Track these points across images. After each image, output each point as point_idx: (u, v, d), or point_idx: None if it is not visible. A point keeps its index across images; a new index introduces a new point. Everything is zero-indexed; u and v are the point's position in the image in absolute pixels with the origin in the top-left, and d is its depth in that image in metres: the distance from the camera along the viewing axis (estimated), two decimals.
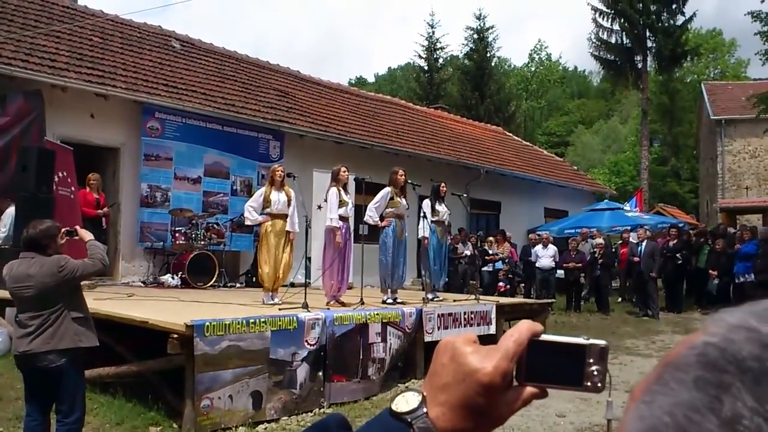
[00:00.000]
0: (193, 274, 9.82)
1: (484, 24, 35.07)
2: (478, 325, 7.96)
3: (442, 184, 8.86)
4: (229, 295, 8.79)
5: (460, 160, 16.44)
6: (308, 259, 8.70)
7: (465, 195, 12.02)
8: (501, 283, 13.71)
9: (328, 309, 6.72)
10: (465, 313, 7.83)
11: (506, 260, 14.20)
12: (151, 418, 5.26)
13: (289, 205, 7.54)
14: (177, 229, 10.55)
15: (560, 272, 13.77)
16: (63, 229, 4.05)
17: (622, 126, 45.97)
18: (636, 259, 13.36)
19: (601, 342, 0.63)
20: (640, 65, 26.02)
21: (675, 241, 13.76)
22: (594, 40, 26.88)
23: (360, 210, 8.32)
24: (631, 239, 14.45)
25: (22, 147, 8.26)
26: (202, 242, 10.37)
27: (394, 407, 0.63)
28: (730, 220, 21.42)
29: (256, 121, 12.33)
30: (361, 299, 7.25)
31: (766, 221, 21.02)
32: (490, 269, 14.02)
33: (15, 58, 9.45)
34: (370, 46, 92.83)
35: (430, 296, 8.23)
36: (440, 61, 36.91)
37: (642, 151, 26.55)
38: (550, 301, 10.84)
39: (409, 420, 0.61)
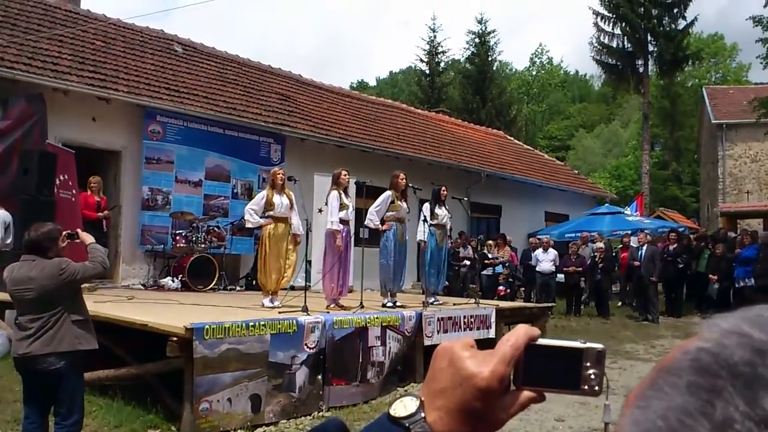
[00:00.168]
0: (193, 277, 9.82)
1: (485, 28, 35.13)
2: (478, 328, 7.95)
3: (443, 188, 8.86)
4: (229, 299, 8.79)
5: (460, 164, 16.45)
6: (308, 262, 8.71)
7: (465, 199, 12.01)
8: (501, 287, 13.71)
9: (328, 312, 6.72)
10: (465, 317, 7.82)
11: (506, 264, 14.19)
12: (149, 420, 5.26)
13: (291, 207, 7.56)
14: (177, 232, 10.56)
15: (560, 276, 13.76)
16: (64, 233, 4.06)
17: (623, 130, 45.99)
18: (636, 263, 13.34)
19: (598, 345, 0.63)
20: (641, 69, 26.02)
21: (675, 246, 13.76)
22: (595, 44, 26.90)
23: (360, 213, 8.32)
24: (631, 243, 14.44)
25: (24, 150, 8.29)
26: (203, 245, 10.38)
27: (392, 412, 0.63)
28: (731, 224, 21.39)
29: (257, 125, 12.36)
30: (361, 303, 7.25)
31: (766, 226, 21.00)
32: (490, 273, 14.02)
33: (17, 62, 9.49)
34: (372, 49, 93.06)
35: (430, 300, 8.23)
36: (441, 64, 36.95)
37: (643, 155, 26.53)
38: (550, 305, 10.83)
39: (407, 425, 0.62)
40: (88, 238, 4.20)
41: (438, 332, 7.33)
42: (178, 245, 10.40)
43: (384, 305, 7.73)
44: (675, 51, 25.21)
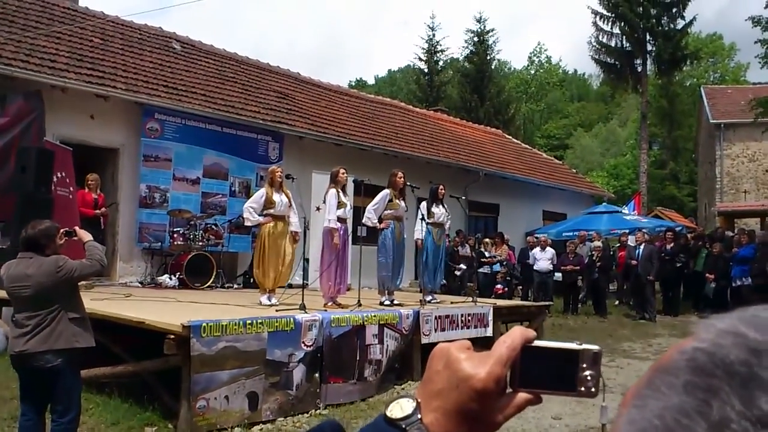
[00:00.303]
0: (190, 275, 9.82)
1: (484, 27, 35.16)
2: (475, 327, 7.97)
3: (441, 187, 8.85)
4: (226, 296, 8.79)
5: (459, 163, 16.46)
6: (306, 260, 8.71)
7: (464, 197, 12.00)
8: (499, 286, 13.73)
9: (326, 310, 6.73)
10: (462, 316, 7.83)
11: (504, 263, 14.21)
12: (146, 418, 5.25)
13: (290, 206, 7.56)
14: (175, 229, 10.55)
15: (558, 275, 13.78)
16: (62, 230, 4.05)
17: (622, 129, 46.05)
18: (634, 262, 13.36)
19: (594, 347, 0.63)
20: (639, 69, 26.06)
21: (672, 245, 13.78)
22: (594, 44, 26.94)
23: (358, 212, 8.33)
24: (629, 242, 14.47)
25: (22, 147, 8.27)
26: (200, 243, 10.38)
27: (388, 413, 0.63)
28: (729, 223, 21.44)
29: (255, 123, 12.35)
30: (359, 301, 7.26)
31: (764, 225, 21.05)
32: (487, 271, 14.03)
33: (15, 59, 9.47)
34: (371, 48, 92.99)
35: (427, 298, 8.24)
36: (440, 63, 37.00)
37: (641, 154, 26.59)
38: (547, 303, 10.84)
39: (404, 426, 0.62)
40: (85, 235, 4.19)
41: (435, 330, 7.34)
42: (175, 243, 10.39)
43: (381, 303, 7.73)
44: (673, 50, 25.25)
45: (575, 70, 58.07)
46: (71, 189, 9.03)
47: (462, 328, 7.72)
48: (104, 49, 11.60)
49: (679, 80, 34.53)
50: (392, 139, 15.56)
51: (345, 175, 7.83)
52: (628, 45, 26.22)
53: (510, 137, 25.13)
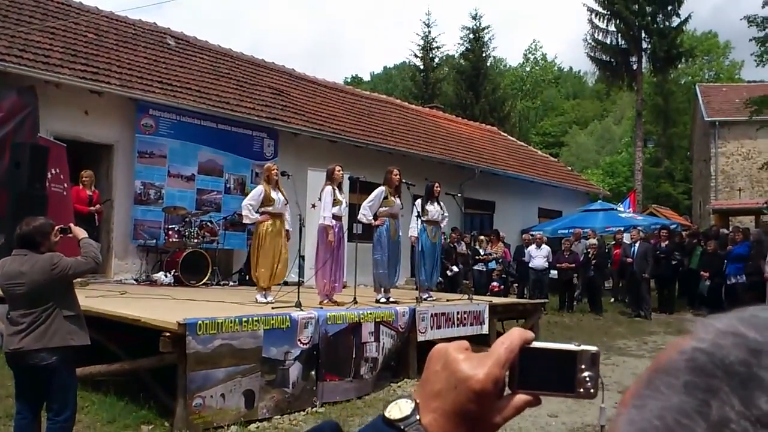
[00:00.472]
0: (186, 272, 9.80)
1: (479, 24, 35.16)
2: (471, 324, 7.98)
3: (436, 184, 8.85)
4: (222, 294, 8.78)
5: (454, 160, 16.46)
6: (302, 257, 8.70)
7: (459, 195, 12.02)
8: (494, 283, 13.75)
9: (321, 308, 6.72)
10: (458, 313, 7.84)
11: (500, 260, 14.23)
12: (142, 416, 5.25)
13: (286, 203, 7.56)
14: (170, 226, 10.52)
15: (553, 272, 13.81)
16: (57, 227, 4.03)
17: (617, 127, 46.16)
18: (629, 259, 13.41)
19: (592, 348, 0.63)
20: (635, 66, 26.13)
21: (667, 243, 13.83)
22: (589, 41, 27.00)
23: (354, 209, 8.33)
24: (624, 240, 14.51)
25: (15, 143, 8.23)
26: (196, 240, 10.35)
27: (387, 414, 0.63)
28: (723, 221, 21.55)
29: (250, 119, 12.32)
30: (354, 298, 7.26)
31: (758, 223, 21.15)
32: (482, 269, 14.05)
33: (9, 54, 9.41)
34: (366, 44, 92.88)
35: (423, 296, 8.24)
36: (436, 60, 37.00)
37: (636, 152, 26.67)
38: (543, 301, 10.87)
39: (402, 427, 0.62)
40: (81, 233, 4.17)
41: (431, 328, 7.34)
42: (170, 240, 10.37)
43: (377, 301, 7.74)
44: (668, 48, 25.33)
45: (570, 68, 58.18)
46: (65, 185, 8.99)
47: (458, 326, 7.74)
48: (98, 44, 11.55)
49: (674, 78, 34.64)
50: (388, 137, 15.55)
51: (341, 172, 7.83)
52: (623, 42, 26.29)
53: (505, 134, 25.16)
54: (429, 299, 8.37)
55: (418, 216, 8.36)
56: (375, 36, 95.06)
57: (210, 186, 11.87)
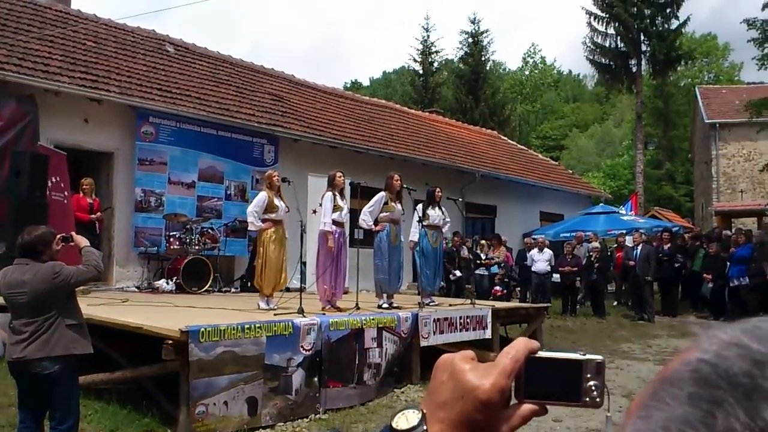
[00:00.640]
0: (187, 279, 9.80)
1: (478, 28, 35.21)
2: (474, 329, 7.95)
3: (437, 189, 8.84)
4: (224, 301, 8.77)
5: (455, 164, 16.48)
6: (303, 263, 8.70)
7: (460, 199, 12.01)
8: (497, 288, 13.73)
9: (324, 314, 6.71)
10: (461, 318, 7.82)
11: (502, 264, 14.22)
12: (145, 424, 5.23)
13: (287, 210, 7.57)
14: (171, 234, 10.53)
15: (556, 276, 13.80)
16: (59, 236, 4.03)
17: (617, 129, 46.20)
18: (631, 262, 13.39)
19: (598, 357, 0.64)
20: (634, 69, 26.16)
21: (669, 245, 13.82)
22: (589, 44, 27.03)
23: (355, 214, 8.33)
24: (626, 243, 14.49)
25: (15, 152, 8.25)
26: (197, 247, 10.36)
27: (394, 425, 0.64)
28: (725, 223, 21.52)
29: (250, 126, 12.34)
30: (357, 304, 7.25)
31: (761, 224, 21.13)
32: (484, 273, 14.05)
33: (8, 63, 9.44)
34: (366, 50, 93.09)
35: (426, 301, 8.23)
36: (435, 64, 37.05)
37: (637, 154, 26.68)
38: (545, 305, 10.83)
39: None
40: (82, 241, 4.17)
41: (434, 333, 7.32)
42: (171, 247, 10.37)
43: (380, 306, 7.72)
44: (668, 51, 25.37)
45: (570, 71, 58.38)
46: (66, 194, 9.00)
47: (461, 331, 7.71)
48: (97, 52, 11.58)
49: (673, 80, 34.67)
50: (388, 142, 15.57)
51: (342, 178, 7.83)
52: (622, 45, 26.33)
53: (505, 138, 25.19)
54: (431, 304, 8.36)
55: (420, 221, 8.35)
56: (374, 41, 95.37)
57: (210, 193, 11.88)
